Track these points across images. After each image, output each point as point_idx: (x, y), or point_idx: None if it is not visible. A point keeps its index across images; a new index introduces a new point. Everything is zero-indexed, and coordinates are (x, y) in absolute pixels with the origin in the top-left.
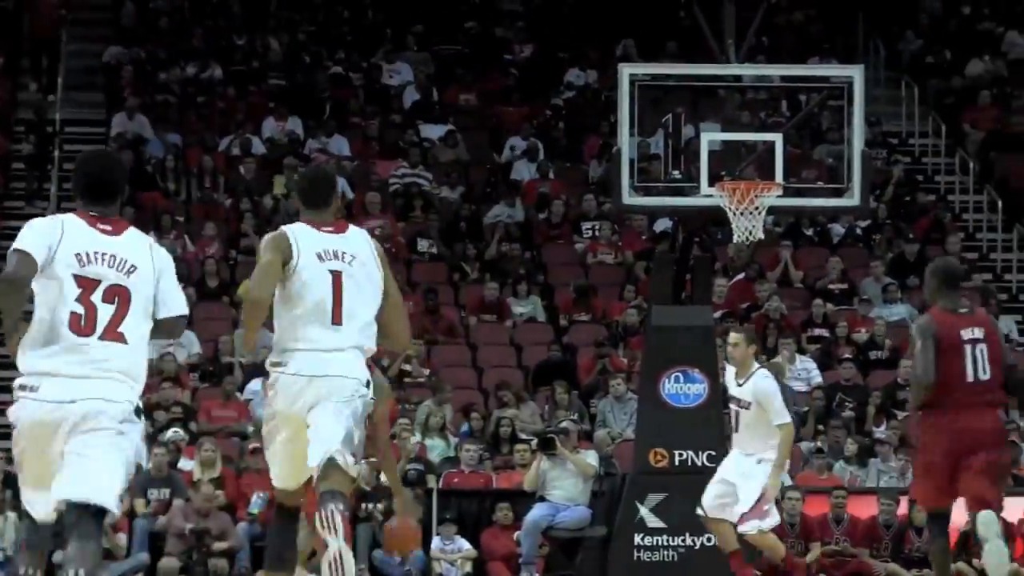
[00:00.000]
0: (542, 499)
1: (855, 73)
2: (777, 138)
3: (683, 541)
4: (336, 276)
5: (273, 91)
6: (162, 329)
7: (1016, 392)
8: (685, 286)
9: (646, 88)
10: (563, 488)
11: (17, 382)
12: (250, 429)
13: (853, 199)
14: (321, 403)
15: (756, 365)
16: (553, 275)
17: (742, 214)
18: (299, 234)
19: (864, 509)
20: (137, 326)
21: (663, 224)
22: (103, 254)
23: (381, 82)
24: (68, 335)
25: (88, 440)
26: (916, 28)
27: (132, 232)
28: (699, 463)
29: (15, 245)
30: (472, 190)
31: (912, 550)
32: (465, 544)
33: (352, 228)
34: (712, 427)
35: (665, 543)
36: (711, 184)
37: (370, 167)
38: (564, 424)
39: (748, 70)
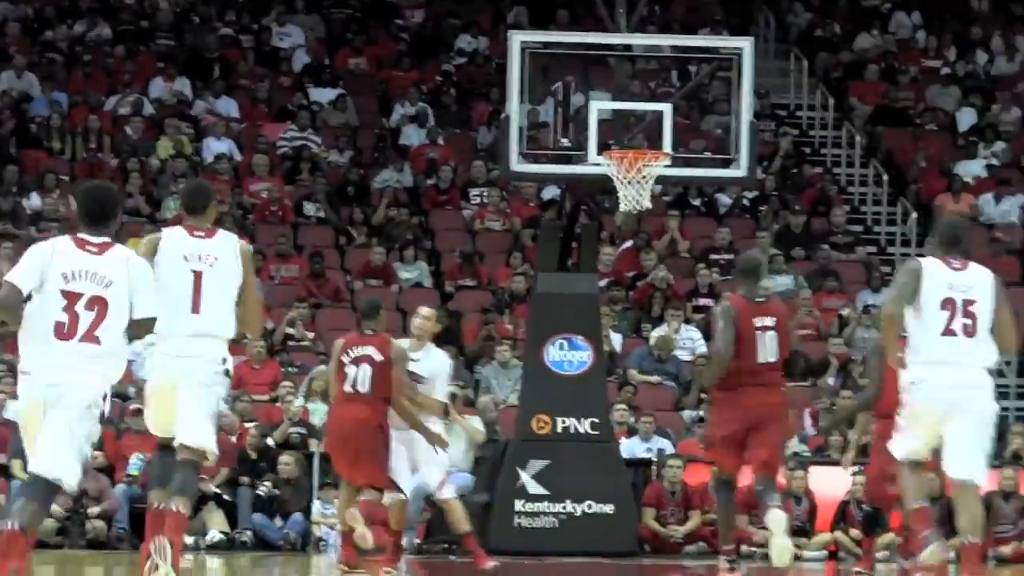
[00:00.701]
0: None
1: (745, 45)
2: (666, 108)
3: (564, 508)
4: (197, 275)
5: (162, 51)
6: (134, 326)
7: (795, 372)
8: (571, 254)
9: (536, 56)
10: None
11: (20, 368)
12: (131, 390)
13: (740, 170)
14: (187, 385)
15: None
16: (440, 241)
17: (630, 183)
18: (170, 238)
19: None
20: (111, 331)
21: (551, 192)
22: (85, 271)
23: (271, 44)
24: (53, 339)
25: (58, 422)
26: (805, 2)
27: (114, 251)
28: (582, 430)
29: (7, 277)
30: (361, 154)
31: (790, 518)
32: None
33: (221, 234)
34: (596, 395)
35: (546, 510)
36: (599, 153)
37: (258, 129)
38: (451, 389)
39: (639, 40)
